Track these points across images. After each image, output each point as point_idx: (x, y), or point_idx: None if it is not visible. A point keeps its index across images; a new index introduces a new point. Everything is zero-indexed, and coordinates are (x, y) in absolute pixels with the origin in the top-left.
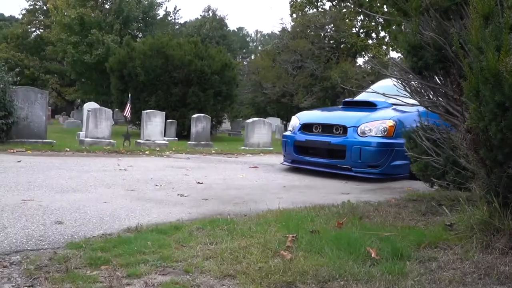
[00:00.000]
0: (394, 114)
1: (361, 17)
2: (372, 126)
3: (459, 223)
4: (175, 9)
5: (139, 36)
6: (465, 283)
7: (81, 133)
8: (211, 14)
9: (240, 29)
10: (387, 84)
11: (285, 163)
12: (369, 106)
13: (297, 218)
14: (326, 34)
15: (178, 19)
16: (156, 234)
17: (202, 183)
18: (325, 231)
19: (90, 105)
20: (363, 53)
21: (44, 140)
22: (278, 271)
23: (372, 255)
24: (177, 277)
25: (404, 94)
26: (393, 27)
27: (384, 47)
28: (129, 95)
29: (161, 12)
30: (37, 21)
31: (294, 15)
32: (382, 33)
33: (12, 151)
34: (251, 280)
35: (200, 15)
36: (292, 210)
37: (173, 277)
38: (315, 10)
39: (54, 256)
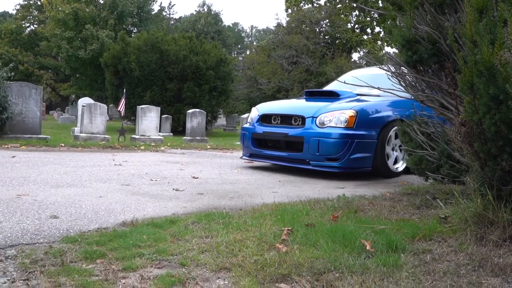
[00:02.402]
0: (355, 104)
1: (356, 12)
2: (332, 116)
3: (453, 216)
4: (170, 4)
5: (134, 31)
6: (460, 274)
7: (75, 128)
8: (206, 9)
9: (235, 24)
10: (360, 74)
11: (244, 157)
12: (332, 96)
13: (293, 211)
14: (321, 29)
15: (173, 14)
16: (151, 228)
17: (197, 177)
18: (320, 224)
19: (84, 101)
20: (358, 48)
21: (39, 136)
22: (274, 263)
23: (367, 248)
24: (172, 270)
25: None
26: (388, 22)
27: (379, 42)
28: (124, 90)
29: (155, 7)
30: (31, 17)
31: (289, 11)
32: (377, 29)
33: (6, 146)
34: (246, 273)
35: (195, 10)
36: (288, 204)
37: (168, 270)
38: (310, 5)
39: (50, 250)
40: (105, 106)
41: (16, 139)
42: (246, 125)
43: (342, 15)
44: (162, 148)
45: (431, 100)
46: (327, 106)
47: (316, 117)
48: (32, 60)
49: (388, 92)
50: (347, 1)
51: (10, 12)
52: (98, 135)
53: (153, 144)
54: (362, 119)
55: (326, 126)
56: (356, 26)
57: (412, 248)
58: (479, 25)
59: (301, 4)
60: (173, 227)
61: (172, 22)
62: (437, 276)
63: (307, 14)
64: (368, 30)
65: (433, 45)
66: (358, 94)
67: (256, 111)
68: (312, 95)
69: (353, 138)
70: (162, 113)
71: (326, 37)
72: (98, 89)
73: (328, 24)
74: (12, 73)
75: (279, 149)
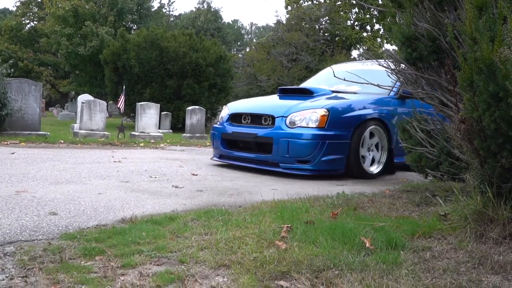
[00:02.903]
0: (327, 102)
1: (356, 9)
2: (302, 115)
3: (453, 213)
4: (169, 1)
5: (134, 28)
6: (459, 272)
7: (75, 125)
8: (205, 6)
9: (235, 21)
10: (341, 69)
11: (214, 158)
12: (306, 93)
13: (292, 209)
14: (321, 26)
15: (172, 11)
16: (151, 225)
17: (196, 174)
18: (320, 222)
19: (84, 97)
20: (358, 45)
21: (38, 132)
22: (273, 261)
23: (367, 245)
24: (172, 267)
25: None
26: (388, 19)
27: (379, 39)
28: (124, 87)
29: (155, 4)
30: (31, 13)
31: (289, 8)
32: (377, 26)
33: (6, 143)
34: (245, 270)
35: (195, 7)
36: (287, 201)
37: (168, 267)
38: (310, 2)
39: (48, 247)
40: (104, 103)
41: (15, 135)
42: (216, 125)
43: (342, 12)
44: (162, 145)
45: (430, 97)
46: (298, 104)
47: (286, 117)
48: (32, 57)
49: (370, 84)
50: None
51: (10, 9)
52: (97, 132)
53: (152, 141)
54: (334, 118)
55: (296, 126)
56: (356, 23)
57: (412, 246)
58: (478, 22)
59: (301, 1)
60: (172, 224)
61: (172, 19)
62: (437, 274)
63: (307, 11)
64: (368, 28)
65: (433, 42)
66: (334, 91)
67: (227, 110)
68: (286, 93)
69: (325, 139)
70: (161, 110)
71: (326, 34)
72: (98, 86)
73: (328, 21)
74: (12, 70)
75: (248, 150)
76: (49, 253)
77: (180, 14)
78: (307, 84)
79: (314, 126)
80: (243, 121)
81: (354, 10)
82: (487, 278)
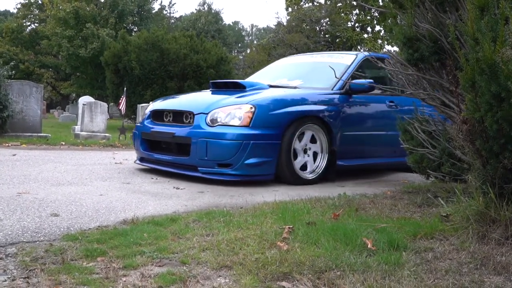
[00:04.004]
0: (255, 98)
1: (357, 11)
2: (225, 112)
3: (455, 214)
4: (170, 3)
5: (134, 30)
6: (461, 273)
7: (76, 127)
8: (206, 8)
9: (236, 23)
10: (290, 62)
11: (137, 161)
12: (238, 88)
13: (293, 210)
14: (321, 28)
15: (173, 13)
16: (152, 226)
17: None
18: (321, 223)
19: (85, 99)
20: (359, 47)
21: (39, 134)
22: (275, 262)
23: (368, 246)
24: (173, 268)
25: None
26: (389, 20)
27: (380, 41)
28: (125, 89)
29: (156, 6)
30: (32, 15)
31: (290, 9)
32: (378, 27)
33: (7, 145)
34: (247, 271)
35: (196, 9)
36: (288, 202)
37: (169, 268)
38: (310, 4)
39: (50, 248)
40: (105, 104)
41: (16, 137)
42: (138, 123)
43: (343, 14)
44: None
45: (432, 98)
46: (222, 100)
47: (207, 114)
48: (33, 59)
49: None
50: None
51: (11, 11)
52: (98, 134)
53: None
54: (261, 115)
55: (217, 124)
56: (357, 24)
57: (414, 247)
58: (480, 22)
59: (302, 3)
60: (174, 225)
61: (173, 21)
62: (439, 275)
63: (308, 13)
64: (369, 29)
65: (434, 43)
66: (272, 86)
67: (151, 106)
68: (218, 87)
69: (249, 139)
70: None
71: (327, 35)
72: (99, 88)
73: (329, 22)
74: (13, 72)
75: (167, 152)
76: (51, 254)
77: (181, 16)
78: (251, 78)
79: (237, 124)
80: (165, 119)
81: (354, 12)
82: (489, 279)
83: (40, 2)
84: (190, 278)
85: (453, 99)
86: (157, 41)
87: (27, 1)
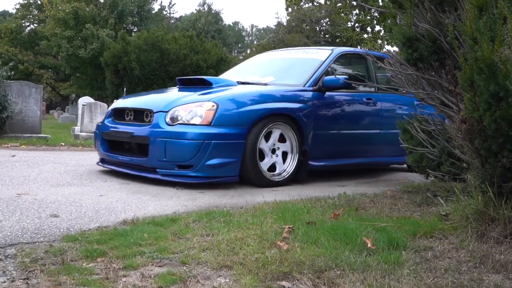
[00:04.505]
0: (218, 95)
1: (356, 11)
2: (186, 110)
3: (454, 213)
4: (170, 3)
5: (134, 30)
6: (461, 271)
7: (76, 127)
8: (206, 9)
9: (236, 23)
10: (266, 58)
11: (99, 163)
12: (204, 84)
13: (293, 209)
14: (321, 28)
15: (173, 13)
16: (152, 227)
17: None
18: (321, 222)
19: (85, 100)
20: (358, 47)
21: (39, 135)
22: (275, 261)
23: (368, 245)
24: (173, 268)
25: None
26: (388, 20)
27: (379, 41)
28: (125, 89)
29: (156, 7)
30: (31, 16)
31: (290, 9)
32: (377, 27)
33: (6, 146)
34: (248, 271)
35: (195, 10)
36: (288, 202)
37: (169, 269)
38: (310, 4)
39: (50, 249)
40: (105, 105)
41: (16, 138)
42: (99, 122)
43: (342, 14)
44: None
45: (431, 97)
46: (183, 97)
47: (167, 112)
48: (32, 60)
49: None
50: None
51: (10, 12)
52: None
53: None
54: (224, 113)
55: (176, 123)
56: (356, 25)
57: (413, 246)
58: (479, 22)
59: (302, 3)
60: (174, 225)
61: (173, 21)
62: (439, 273)
63: (307, 13)
64: (369, 29)
65: (433, 42)
66: (241, 83)
67: (113, 104)
68: (185, 84)
69: (210, 139)
70: None
71: (327, 36)
72: (99, 88)
73: (329, 22)
74: (12, 72)
75: (127, 153)
76: (51, 255)
77: (180, 16)
78: (224, 74)
79: (198, 123)
80: (126, 117)
81: (354, 12)
82: (489, 277)
83: (39, 2)
84: (190, 278)
85: (452, 99)
86: (157, 42)
87: (26, 2)
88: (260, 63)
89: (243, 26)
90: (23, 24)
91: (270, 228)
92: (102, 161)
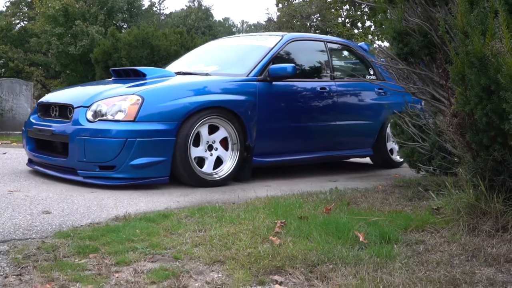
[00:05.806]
0: (145, 88)
1: (347, 6)
2: (108, 104)
3: (445, 207)
4: None
5: (124, 27)
6: (453, 265)
7: None
8: (196, 5)
9: (226, 19)
10: (216, 46)
11: (27, 164)
12: (138, 76)
13: (286, 204)
14: (312, 24)
15: (163, 9)
16: (144, 222)
17: None
18: (314, 217)
19: None
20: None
21: None
22: (267, 256)
23: (360, 239)
24: (166, 263)
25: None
26: (379, 15)
27: (370, 36)
28: None
29: (146, 3)
30: (21, 13)
31: (280, 5)
32: (368, 23)
33: None
34: (240, 265)
35: (186, 6)
36: (281, 197)
37: (162, 264)
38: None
39: (42, 245)
40: None
41: (6, 135)
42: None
43: (333, 9)
44: None
45: (422, 92)
46: (107, 90)
47: (88, 107)
48: (22, 57)
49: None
50: None
51: (0, 10)
52: None
53: None
54: (150, 107)
55: (98, 119)
56: (347, 20)
57: (405, 239)
58: (470, 16)
59: None
60: (166, 221)
61: (163, 17)
62: (430, 267)
63: (298, 9)
64: (359, 24)
65: (424, 37)
66: (182, 73)
67: (40, 100)
68: (119, 76)
69: (134, 136)
70: None
71: (317, 31)
72: None
73: (319, 18)
74: (3, 70)
75: (49, 152)
76: (43, 252)
77: (171, 13)
78: (171, 65)
79: (121, 118)
80: (51, 113)
81: (345, 7)
82: (481, 271)
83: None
84: (183, 273)
85: (443, 93)
86: (147, 38)
87: None
88: (208, 52)
89: (233, 22)
90: (13, 22)
91: (262, 223)
92: (30, 161)
